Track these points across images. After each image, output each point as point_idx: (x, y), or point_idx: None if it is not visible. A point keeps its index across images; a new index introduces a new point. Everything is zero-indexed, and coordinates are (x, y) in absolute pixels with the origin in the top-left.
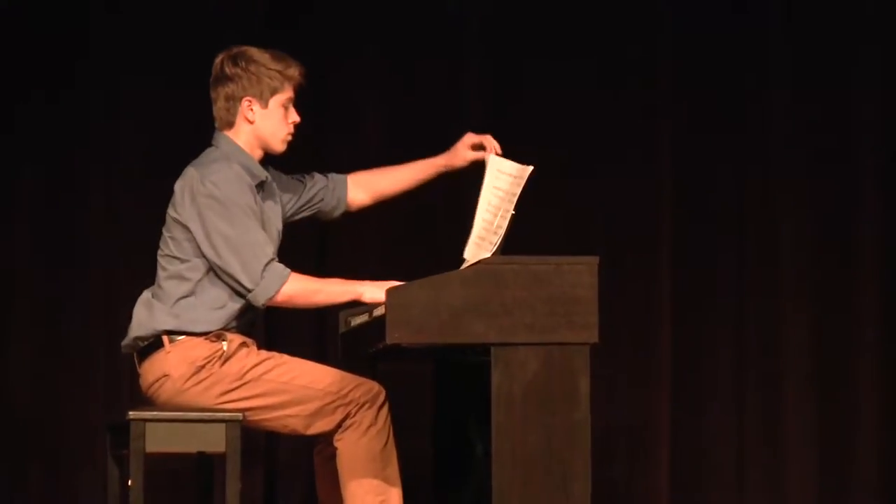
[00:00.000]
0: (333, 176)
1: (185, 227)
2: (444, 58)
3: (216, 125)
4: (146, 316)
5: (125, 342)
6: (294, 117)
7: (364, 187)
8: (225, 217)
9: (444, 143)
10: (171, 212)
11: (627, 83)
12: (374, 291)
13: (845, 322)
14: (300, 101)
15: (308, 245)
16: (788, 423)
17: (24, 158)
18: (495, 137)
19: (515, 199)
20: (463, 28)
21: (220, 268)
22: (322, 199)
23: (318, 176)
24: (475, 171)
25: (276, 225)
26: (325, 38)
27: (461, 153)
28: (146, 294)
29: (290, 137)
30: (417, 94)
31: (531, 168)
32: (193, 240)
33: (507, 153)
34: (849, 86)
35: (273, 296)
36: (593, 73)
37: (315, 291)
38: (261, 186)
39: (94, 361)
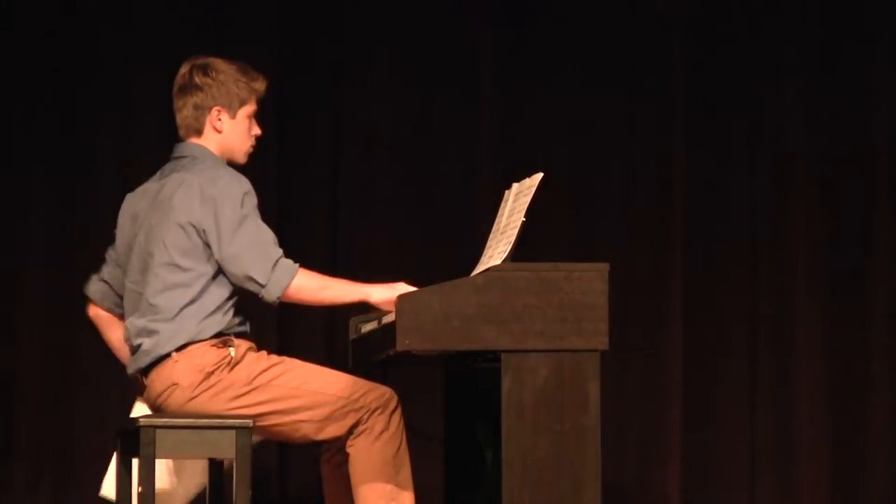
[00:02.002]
0: None
1: (194, 233)
2: (455, 58)
3: (180, 134)
4: (152, 341)
5: (131, 370)
6: (256, 130)
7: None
8: (240, 216)
9: (454, 148)
10: (173, 217)
11: (640, 84)
12: (383, 292)
13: (859, 325)
14: (261, 114)
15: (318, 253)
16: (801, 426)
17: (34, 159)
18: (506, 141)
19: (526, 207)
20: (474, 30)
21: (230, 269)
22: None
23: None
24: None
25: None
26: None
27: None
28: (139, 322)
29: (252, 150)
30: (427, 99)
31: (541, 175)
32: (201, 245)
33: (517, 157)
34: (865, 88)
35: (285, 289)
36: (603, 75)
37: (324, 287)
38: None
39: (105, 366)
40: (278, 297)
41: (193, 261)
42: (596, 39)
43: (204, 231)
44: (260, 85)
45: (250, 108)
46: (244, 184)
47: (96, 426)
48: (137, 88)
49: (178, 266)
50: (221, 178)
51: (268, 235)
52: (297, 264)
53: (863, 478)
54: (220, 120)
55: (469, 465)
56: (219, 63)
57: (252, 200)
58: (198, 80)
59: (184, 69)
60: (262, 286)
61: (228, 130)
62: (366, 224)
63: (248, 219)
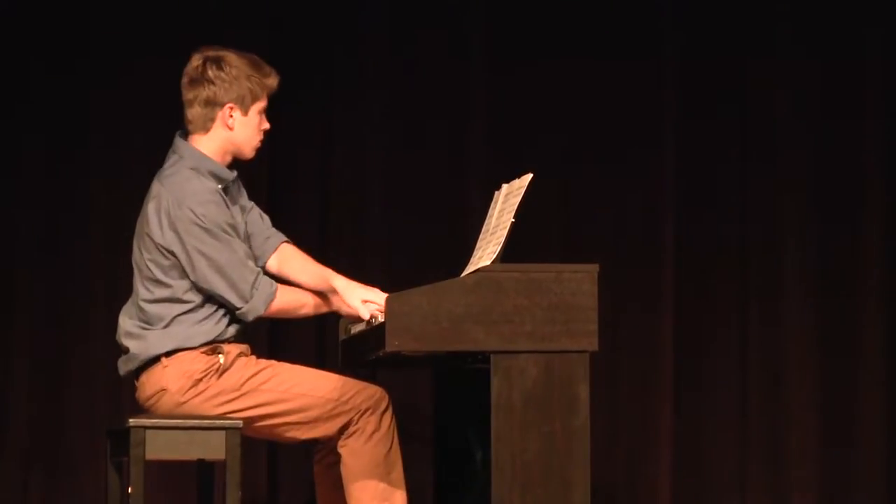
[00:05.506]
0: (275, 232)
1: (169, 253)
2: (450, 56)
3: (187, 128)
4: (140, 345)
5: (122, 372)
6: (265, 125)
7: (284, 261)
8: (206, 240)
9: (445, 148)
10: (149, 234)
11: (631, 85)
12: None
13: (850, 325)
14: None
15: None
16: (792, 427)
17: (27, 160)
18: (497, 141)
19: (515, 208)
20: (468, 29)
21: (207, 291)
22: (252, 243)
23: (266, 220)
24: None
25: (241, 227)
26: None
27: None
28: (128, 324)
29: (260, 145)
30: (418, 99)
31: (531, 176)
32: (179, 264)
33: (507, 157)
34: (860, 87)
35: (263, 312)
36: (597, 76)
37: (302, 304)
38: (226, 190)
39: (96, 367)
40: (254, 319)
41: (175, 278)
42: (590, 42)
43: (173, 253)
44: (272, 80)
45: (262, 103)
46: (212, 200)
47: (87, 426)
48: (129, 94)
49: (162, 282)
50: (189, 196)
51: (240, 255)
52: (276, 284)
53: (853, 481)
54: (231, 117)
55: (459, 466)
56: (232, 57)
57: (221, 217)
58: (210, 73)
59: (196, 61)
60: (239, 308)
61: (239, 127)
62: (355, 224)
63: (217, 242)
